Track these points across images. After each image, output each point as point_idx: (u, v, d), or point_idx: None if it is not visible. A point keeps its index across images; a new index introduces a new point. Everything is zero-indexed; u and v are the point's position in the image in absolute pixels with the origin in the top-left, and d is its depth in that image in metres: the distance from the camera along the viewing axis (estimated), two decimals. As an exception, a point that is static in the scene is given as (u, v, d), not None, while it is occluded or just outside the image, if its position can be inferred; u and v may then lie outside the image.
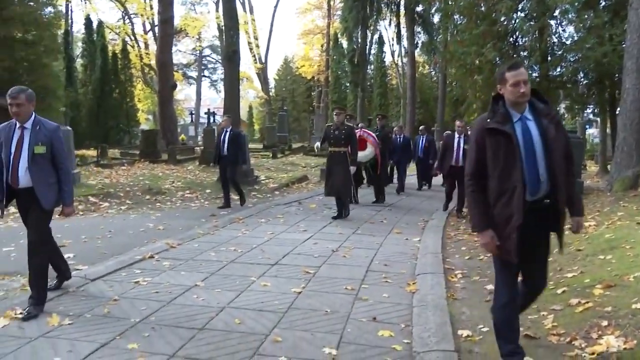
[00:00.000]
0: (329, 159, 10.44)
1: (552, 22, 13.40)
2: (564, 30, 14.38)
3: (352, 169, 10.23)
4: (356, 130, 11.65)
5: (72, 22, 35.94)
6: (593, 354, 3.70)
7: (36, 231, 4.91)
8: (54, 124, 4.99)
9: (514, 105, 3.40)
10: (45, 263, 4.92)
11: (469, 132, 10.47)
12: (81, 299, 5.10)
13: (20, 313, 4.54)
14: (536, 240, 3.50)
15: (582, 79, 13.89)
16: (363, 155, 11.82)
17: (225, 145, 11.31)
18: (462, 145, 10.48)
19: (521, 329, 4.29)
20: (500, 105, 3.45)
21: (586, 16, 12.56)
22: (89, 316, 4.60)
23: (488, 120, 3.43)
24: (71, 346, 3.95)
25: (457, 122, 11.04)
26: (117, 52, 34.72)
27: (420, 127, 17.47)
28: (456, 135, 10.71)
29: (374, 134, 12.69)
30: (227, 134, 11.36)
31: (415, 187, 16.17)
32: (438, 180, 16.95)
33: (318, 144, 11.29)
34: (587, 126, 28.78)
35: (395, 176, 15.86)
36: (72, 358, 3.75)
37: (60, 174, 4.89)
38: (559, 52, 13.39)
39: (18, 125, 4.81)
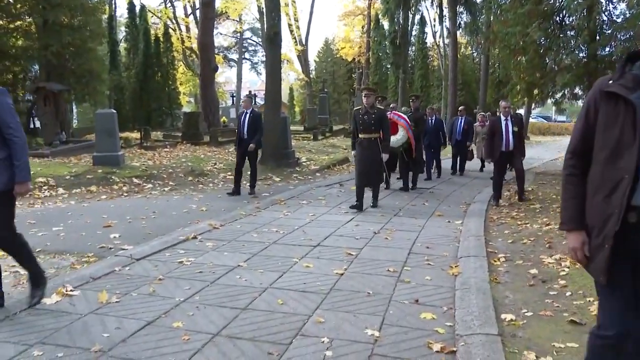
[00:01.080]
0: (358, 146, 9.37)
1: (602, -1, 12.99)
2: (614, 8, 13.90)
3: (385, 156, 9.38)
4: (388, 113, 10.95)
5: (115, 6, 36.39)
6: (642, 341, 3.61)
7: None
8: None
9: None
10: (19, 249, 4.45)
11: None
12: (127, 278, 5.22)
13: (71, 290, 4.68)
14: None
15: (633, 59, 13.38)
16: (395, 139, 10.90)
17: (246, 127, 10.60)
18: (510, 127, 9.76)
19: (566, 314, 4.26)
20: (636, 66, 2.48)
21: (640, -9, 12.10)
22: (135, 295, 4.72)
23: (610, 81, 2.51)
24: (119, 323, 4.06)
25: (502, 103, 10.23)
26: (159, 35, 35.06)
27: (460, 108, 16.52)
28: (502, 118, 9.90)
29: (405, 116, 11.70)
30: (248, 115, 10.65)
31: (449, 171, 15.47)
32: (471, 165, 16.23)
33: (354, 153, 9.68)
34: (637, 108, 27.83)
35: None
36: (120, 334, 3.86)
37: (10, 145, 4.10)
38: (609, 31, 12.93)
39: None
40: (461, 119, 15.33)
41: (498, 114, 14.35)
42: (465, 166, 15.64)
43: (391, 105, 12.78)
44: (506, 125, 9.76)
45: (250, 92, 29.23)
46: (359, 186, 9.32)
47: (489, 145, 10.18)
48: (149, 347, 3.66)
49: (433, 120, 14.11)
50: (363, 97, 9.39)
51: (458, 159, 15.52)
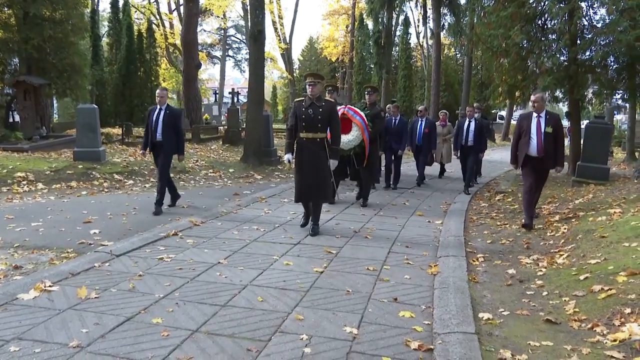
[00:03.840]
0: (299, 148, 7.29)
1: (583, 4, 13.08)
2: (595, 13, 14.05)
3: (333, 163, 7.26)
4: (339, 108, 9.14)
5: (98, 1, 36.06)
6: (615, 340, 3.68)
7: None
8: None
9: None
10: None
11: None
12: (107, 274, 5.20)
13: (49, 285, 4.65)
14: None
15: (612, 63, 13.56)
16: (346, 140, 9.12)
17: (159, 128, 8.48)
18: (542, 127, 7.54)
19: (542, 313, 4.33)
20: None
21: (620, -3, 12.28)
22: (114, 291, 4.70)
23: None
24: (98, 319, 4.04)
25: (533, 97, 7.83)
26: (142, 31, 34.77)
27: (420, 107, 13.88)
28: (534, 115, 7.62)
29: (361, 112, 9.56)
30: (163, 113, 8.53)
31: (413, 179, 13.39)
32: (431, 171, 14.51)
33: (289, 156, 7.44)
34: (615, 112, 28.32)
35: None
36: (98, 330, 3.84)
37: None
38: (589, 35, 13.09)
39: None
40: (421, 120, 13.12)
41: (463, 117, 12.69)
42: (424, 174, 13.50)
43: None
44: (538, 123, 7.58)
45: (233, 89, 29.08)
46: (299, 201, 7.54)
47: (514, 148, 8.05)
48: (128, 343, 3.65)
49: (396, 121, 12.07)
50: (308, 87, 7.20)
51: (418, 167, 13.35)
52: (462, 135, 11.88)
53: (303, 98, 7.40)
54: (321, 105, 7.14)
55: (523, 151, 7.72)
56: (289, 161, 7.45)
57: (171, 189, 8.98)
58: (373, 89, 10.63)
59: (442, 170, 15.25)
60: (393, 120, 12.05)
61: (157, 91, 8.76)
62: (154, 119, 8.54)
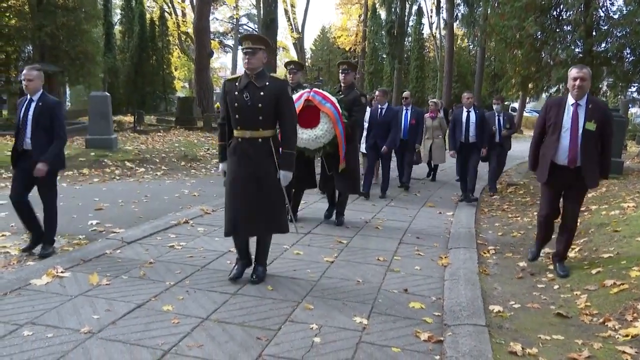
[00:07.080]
0: (232, 153, 4.64)
1: (600, -4, 13.02)
2: (611, 4, 14.03)
3: (284, 176, 4.60)
4: (302, 92, 6.79)
5: (111, -12, 36.12)
6: (627, 335, 3.66)
7: None
8: None
9: None
10: None
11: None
12: (118, 260, 5.22)
13: (61, 271, 4.69)
14: None
15: (629, 56, 13.43)
16: (313, 135, 6.62)
17: (28, 128, 5.33)
18: (581, 120, 4.89)
19: (553, 307, 4.30)
20: None
21: (638, -12, 12.13)
22: (125, 277, 4.72)
23: None
24: (109, 305, 4.07)
25: (575, 71, 4.88)
26: (155, 19, 34.88)
27: (404, 94, 11.54)
28: (569, 102, 4.97)
29: (332, 98, 6.78)
30: (34, 106, 5.34)
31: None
32: (419, 170, 12.28)
33: (223, 166, 4.84)
34: (630, 105, 28.03)
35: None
36: (110, 317, 3.86)
37: None
38: (605, 27, 12.98)
39: None
40: (406, 110, 10.88)
41: (459, 107, 10.70)
42: (410, 176, 10.91)
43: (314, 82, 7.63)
44: (574, 115, 4.92)
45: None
46: (237, 235, 4.79)
47: (533, 149, 5.35)
48: (139, 330, 3.67)
49: (383, 111, 9.42)
50: (243, 55, 4.54)
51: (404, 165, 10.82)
52: (460, 129, 9.33)
53: (237, 76, 4.73)
54: (263, 86, 4.52)
55: (547, 157, 5.10)
56: (224, 173, 4.84)
57: (37, 226, 5.65)
58: (350, 66, 7.53)
59: (435, 171, 12.48)
60: (379, 110, 9.44)
61: (24, 72, 5.42)
62: (21, 114, 5.41)
